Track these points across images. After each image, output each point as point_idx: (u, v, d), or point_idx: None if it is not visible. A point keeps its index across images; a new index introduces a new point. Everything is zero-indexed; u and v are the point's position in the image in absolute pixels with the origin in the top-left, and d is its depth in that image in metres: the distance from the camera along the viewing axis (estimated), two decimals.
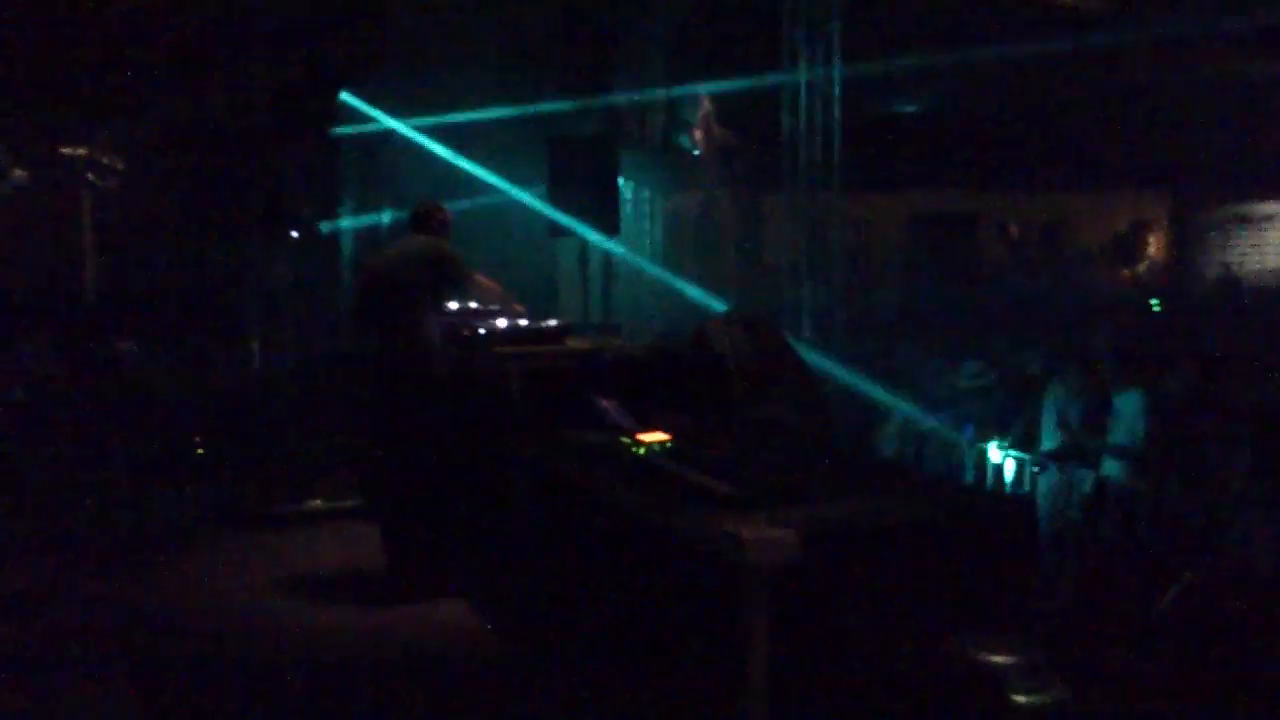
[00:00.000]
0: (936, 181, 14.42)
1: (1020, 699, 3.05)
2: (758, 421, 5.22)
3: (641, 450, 4.61)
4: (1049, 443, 7.91)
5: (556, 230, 9.78)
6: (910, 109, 14.06)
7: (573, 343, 6.19)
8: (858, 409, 9.65)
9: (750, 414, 5.31)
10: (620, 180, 10.66)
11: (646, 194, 13.61)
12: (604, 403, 5.21)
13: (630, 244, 12.41)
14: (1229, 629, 4.23)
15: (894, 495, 3.95)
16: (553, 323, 6.30)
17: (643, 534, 4.11)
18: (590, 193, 9.60)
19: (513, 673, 5.00)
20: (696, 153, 13.71)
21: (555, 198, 9.70)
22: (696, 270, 12.74)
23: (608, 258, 11.62)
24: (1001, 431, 8.56)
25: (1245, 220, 15.70)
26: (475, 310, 6.31)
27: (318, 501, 7.82)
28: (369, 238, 11.19)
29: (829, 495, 3.93)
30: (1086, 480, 7.36)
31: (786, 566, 3.44)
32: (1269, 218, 15.50)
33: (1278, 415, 6.95)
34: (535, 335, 6.04)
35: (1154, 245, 15.75)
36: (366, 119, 10.98)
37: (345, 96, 10.66)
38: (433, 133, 11.16)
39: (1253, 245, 15.60)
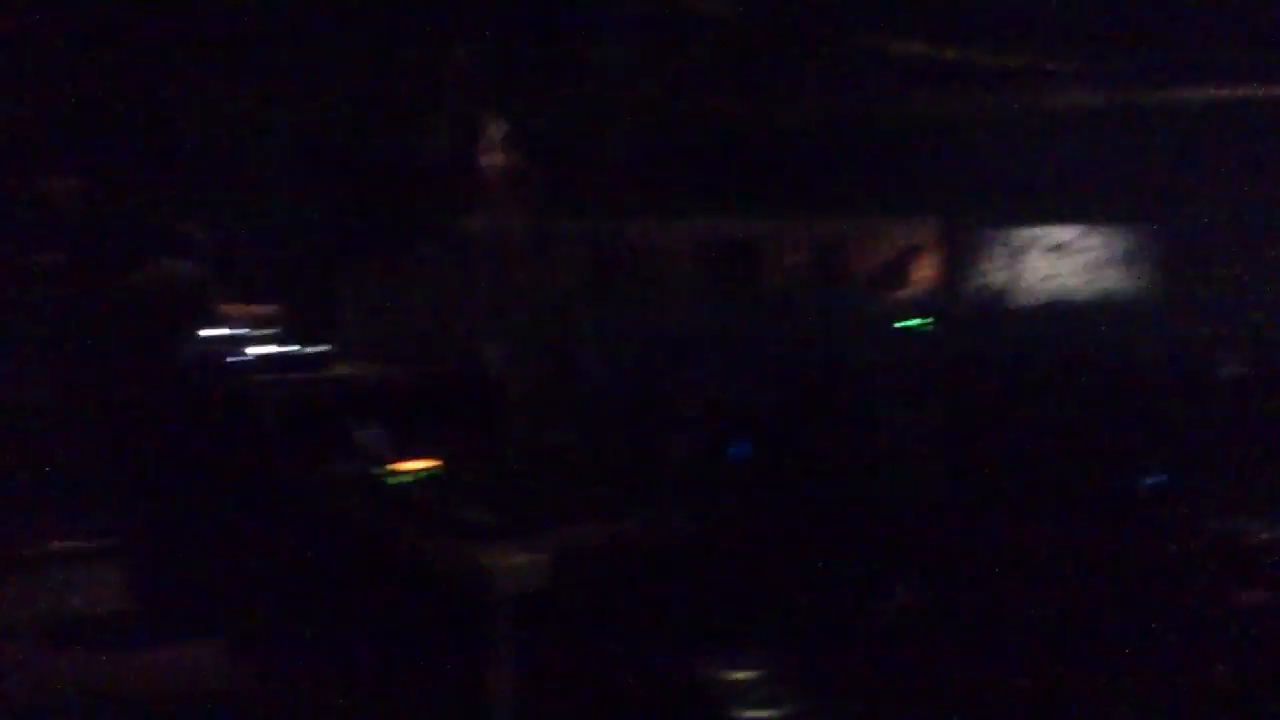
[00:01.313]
0: (719, 207, 14.76)
1: (750, 714, 3.11)
2: (533, 445, 5.22)
3: (400, 480, 4.53)
4: None
5: None
6: (692, 136, 14.35)
7: (339, 369, 6.04)
8: (654, 428, 9.71)
9: (526, 437, 5.30)
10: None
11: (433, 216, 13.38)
12: (365, 431, 5.09)
13: (417, 267, 12.15)
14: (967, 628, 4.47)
15: (656, 515, 4.00)
16: (318, 348, 6.13)
17: (394, 567, 4.04)
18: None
19: (272, 713, 4.81)
20: (487, 174, 13.61)
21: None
22: (485, 296, 12.58)
23: None
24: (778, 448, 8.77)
25: (1012, 243, 16.70)
26: (231, 335, 6.08)
27: (62, 541, 7.35)
28: None
29: (592, 519, 3.95)
30: (852, 491, 7.61)
31: (536, 593, 3.43)
32: (1036, 241, 16.54)
33: (1031, 427, 7.36)
34: (296, 362, 5.86)
35: (926, 268, 16.58)
36: None
37: None
38: None
39: (1020, 268, 16.61)
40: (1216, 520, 3.87)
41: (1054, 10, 12.95)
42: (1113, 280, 16.77)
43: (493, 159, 13.49)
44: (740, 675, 3.31)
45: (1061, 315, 15.03)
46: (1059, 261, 16.66)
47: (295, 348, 6.08)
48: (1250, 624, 3.56)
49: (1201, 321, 12.86)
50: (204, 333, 6.03)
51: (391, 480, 4.52)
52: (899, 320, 14.31)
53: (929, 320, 14.21)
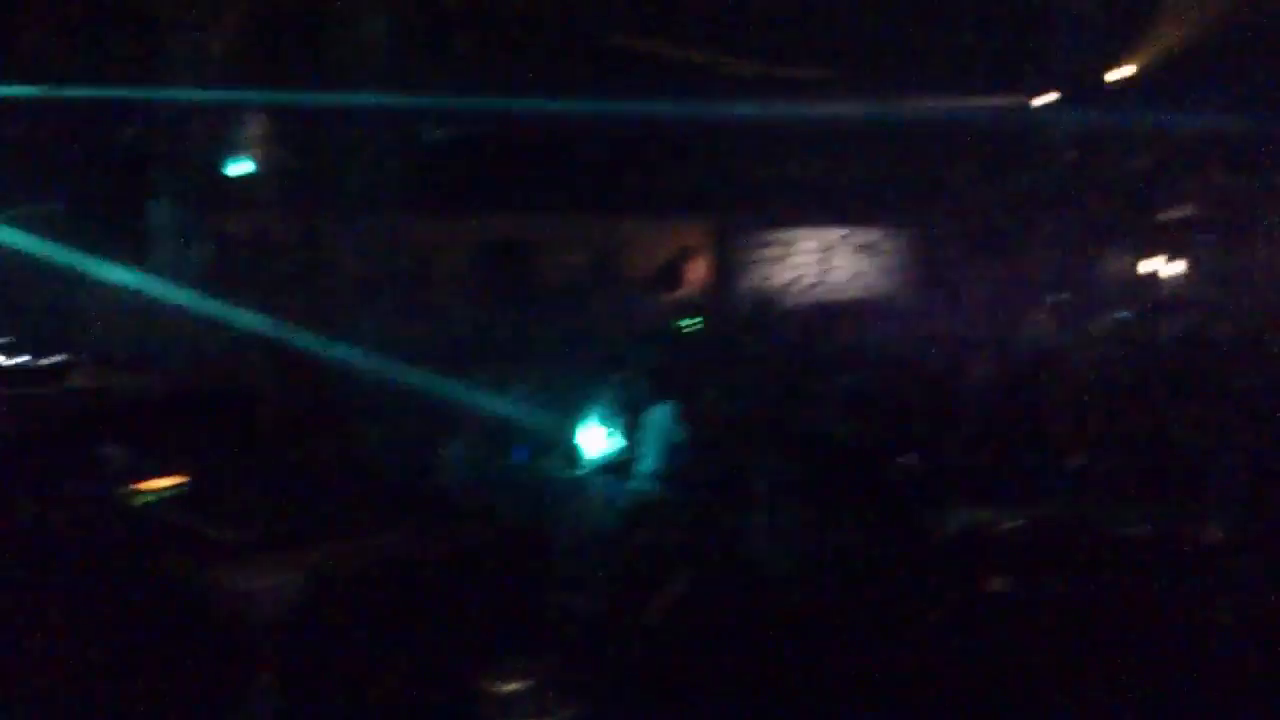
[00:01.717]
0: (496, 206, 14.63)
1: None
2: (290, 459, 4.98)
3: (144, 499, 4.24)
4: (593, 460, 8.18)
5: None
6: (469, 133, 14.18)
7: (77, 380, 5.60)
8: (422, 437, 9.50)
9: (283, 451, 5.07)
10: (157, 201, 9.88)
11: (188, 216, 12.66)
12: (108, 447, 4.74)
13: (167, 271, 11.47)
14: (729, 631, 4.55)
15: (408, 530, 3.88)
16: (53, 359, 5.67)
17: (140, 591, 3.77)
18: (113, 214, 8.82)
19: None
20: (249, 172, 13.00)
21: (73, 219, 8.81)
22: (249, 300, 11.99)
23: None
24: (555, 452, 8.75)
25: (782, 246, 17.24)
26: None
27: None
28: None
29: (345, 535, 3.79)
30: (625, 494, 7.66)
31: (291, 613, 3.26)
32: (805, 243, 17.11)
33: (792, 423, 7.58)
34: (27, 374, 5.41)
35: (698, 269, 16.92)
36: None
37: None
38: None
39: (792, 269, 17.16)
40: (965, 510, 4.07)
41: (826, 21, 13.51)
42: (874, 281, 17.58)
43: (254, 157, 12.93)
44: (510, 686, 3.25)
45: (829, 314, 15.66)
46: (828, 263, 17.36)
47: (26, 358, 5.61)
48: (997, 609, 3.73)
49: (955, 321, 13.66)
50: None
51: (135, 500, 4.22)
52: (673, 320, 14.59)
53: (698, 321, 14.53)
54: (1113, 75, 14.72)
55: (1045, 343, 11.08)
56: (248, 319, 10.77)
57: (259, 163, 13.03)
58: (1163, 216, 16.08)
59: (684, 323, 13.66)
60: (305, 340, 9.38)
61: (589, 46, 13.30)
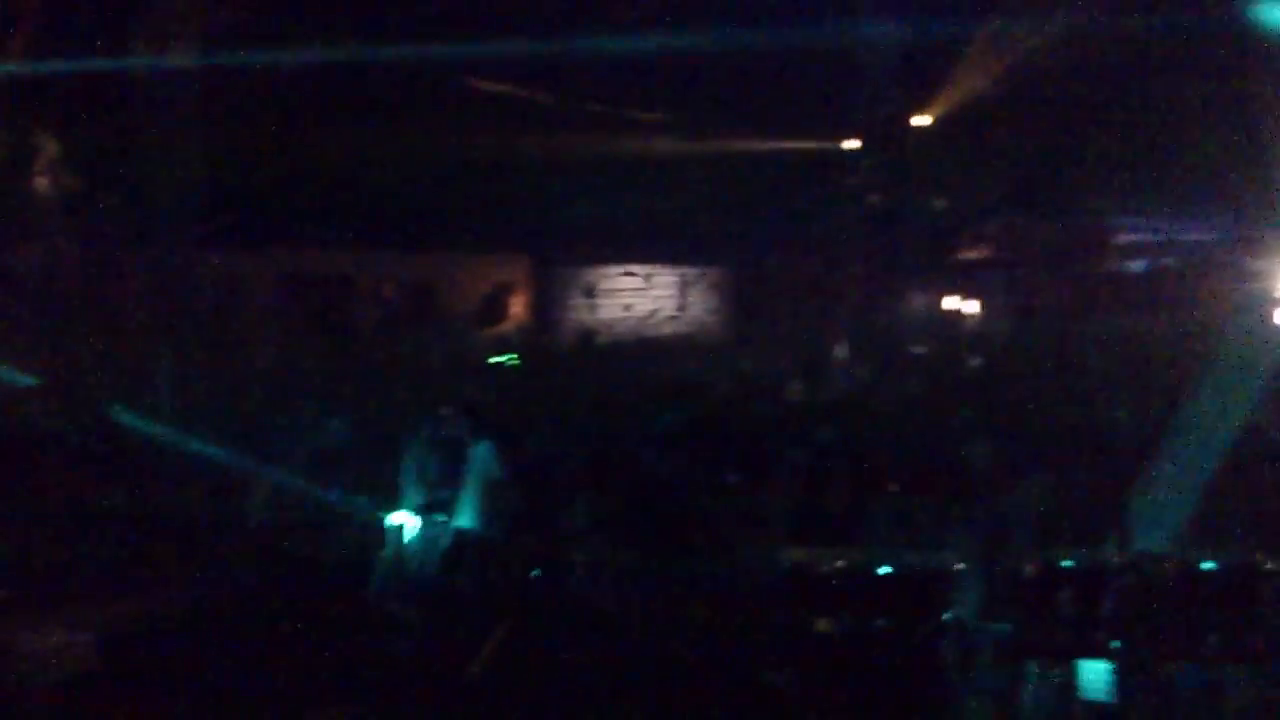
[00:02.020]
0: (309, 240, 14.21)
1: None
2: (73, 509, 4.65)
3: None
4: (412, 499, 7.97)
5: None
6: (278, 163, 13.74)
7: None
8: (220, 478, 9.05)
9: (65, 502, 4.72)
10: None
11: None
12: None
13: None
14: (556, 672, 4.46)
15: (210, 581, 3.66)
16: None
17: None
18: None
19: None
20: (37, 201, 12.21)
21: None
22: (25, 335, 11.12)
23: None
24: (370, 492, 8.49)
25: (602, 281, 17.30)
26: None
27: None
28: None
29: (140, 589, 3.55)
30: (446, 533, 7.49)
31: (80, 673, 3.02)
32: (623, 279, 17.20)
33: (612, 460, 7.55)
34: None
35: (516, 305, 16.79)
36: None
37: None
38: None
39: (612, 305, 17.24)
40: (789, 550, 4.08)
41: (646, 65, 13.70)
42: (691, 315, 17.84)
43: (44, 185, 12.15)
44: None
45: (647, 349, 15.79)
46: (644, 298, 17.52)
47: None
48: (825, 648, 3.72)
49: (770, 353, 13.96)
50: None
51: None
52: (490, 356, 14.43)
53: (515, 357, 14.42)
54: (915, 121, 15.43)
55: (849, 378, 11.43)
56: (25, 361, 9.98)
57: (45, 188, 12.25)
58: (962, 256, 16.89)
59: (502, 359, 13.53)
60: (91, 382, 8.82)
61: (412, 81, 13.11)
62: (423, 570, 7.54)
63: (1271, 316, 15.36)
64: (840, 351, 13.32)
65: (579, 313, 17.16)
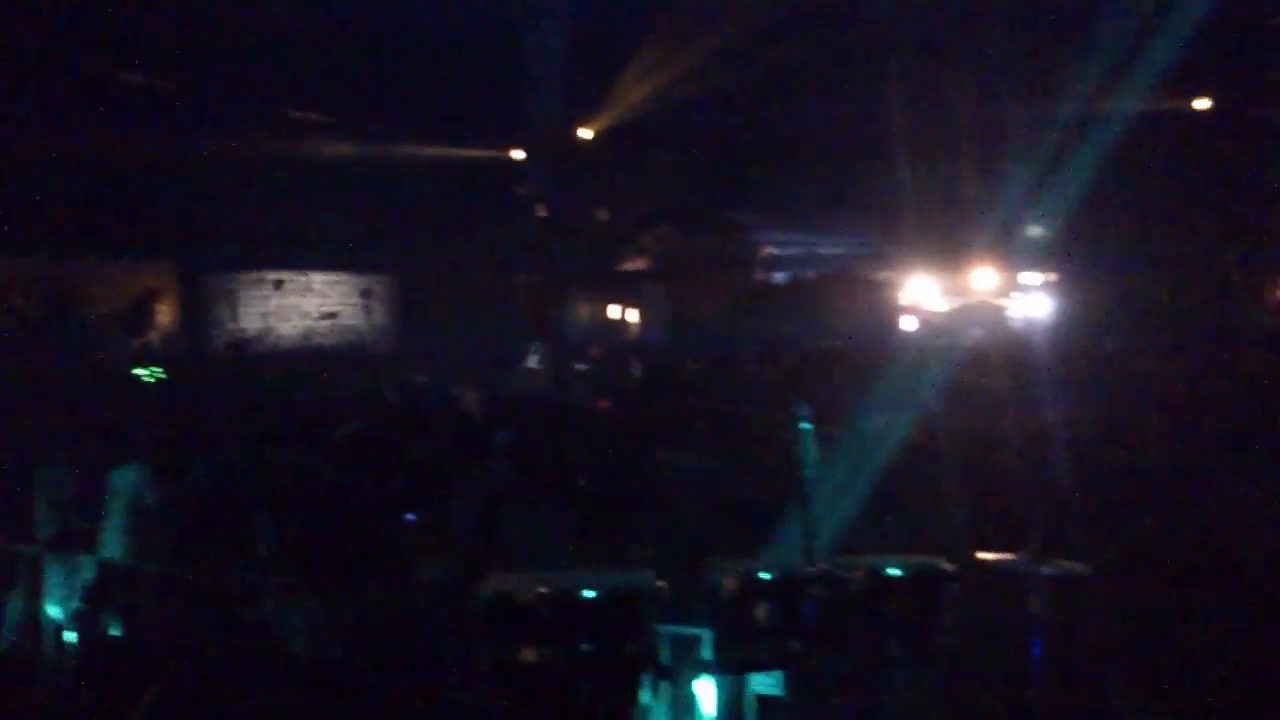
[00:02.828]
0: None
1: None
2: None
3: None
4: (45, 529, 7.16)
5: None
6: None
7: None
8: None
9: None
10: None
11: None
12: None
13: None
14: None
15: None
16: None
17: None
18: None
19: None
20: None
21: None
22: None
23: None
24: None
25: (252, 289, 16.36)
26: None
27: None
28: None
29: None
30: (87, 566, 6.77)
31: None
32: (279, 283, 16.33)
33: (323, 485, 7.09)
34: None
35: (163, 313, 15.56)
36: None
37: None
38: None
39: (266, 309, 16.33)
40: (489, 578, 3.92)
41: (304, 62, 13.12)
42: (354, 325, 17.30)
43: None
44: None
45: (308, 358, 15.07)
46: (304, 305, 16.79)
47: None
48: (531, 679, 3.57)
49: (434, 366, 13.70)
50: None
51: None
52: (134, 366, 13.28)
53: (159, 369, 13.35)
54: (580, 133, 15.78)
55: (526, 387, 11.45)
56: None
57: None
58: (623, 267, 17.43)
59: (145, 371, 12.49)
60: None
61: (50, 76, 11.93)
62: (62, 610, 6.81)
63: (897, 321, 16.91)
64: (510, 358, 13.32)
65: (230, 321, 16.23)
